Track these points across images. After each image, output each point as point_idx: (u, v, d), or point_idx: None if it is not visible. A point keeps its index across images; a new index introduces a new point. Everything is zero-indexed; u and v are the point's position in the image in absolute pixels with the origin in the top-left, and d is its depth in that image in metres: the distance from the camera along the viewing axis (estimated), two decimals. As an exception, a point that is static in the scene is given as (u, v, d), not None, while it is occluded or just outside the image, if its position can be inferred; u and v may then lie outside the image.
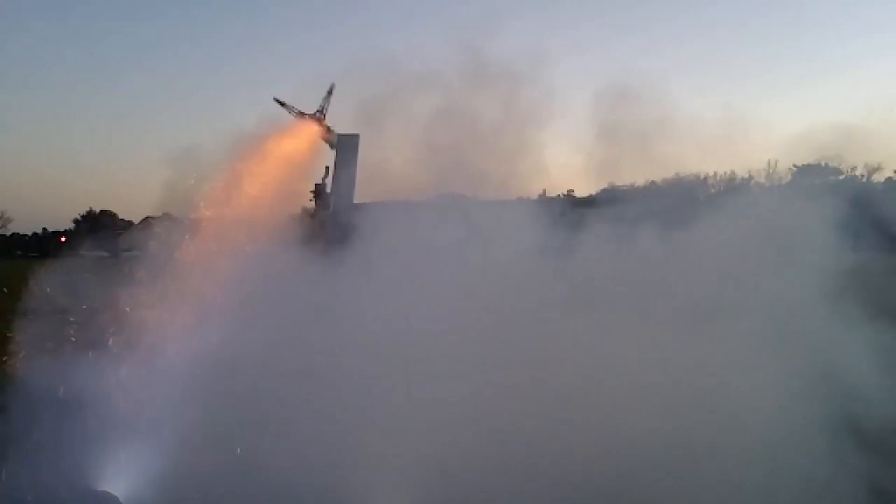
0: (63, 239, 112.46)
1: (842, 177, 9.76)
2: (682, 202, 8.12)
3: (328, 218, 6.27)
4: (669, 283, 6.65)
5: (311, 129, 8.54)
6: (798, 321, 6.27)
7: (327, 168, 6.03)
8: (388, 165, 9.15)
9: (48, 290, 9.05)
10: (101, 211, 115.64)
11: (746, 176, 11.30)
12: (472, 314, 6.55)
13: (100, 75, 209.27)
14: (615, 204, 8.32)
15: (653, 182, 9.88)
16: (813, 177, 10.29)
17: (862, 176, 10.74)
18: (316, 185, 6.14)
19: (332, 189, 6.18)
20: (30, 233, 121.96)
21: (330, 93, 7.02)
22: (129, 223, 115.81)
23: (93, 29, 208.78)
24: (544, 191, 11.19)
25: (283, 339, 6.56)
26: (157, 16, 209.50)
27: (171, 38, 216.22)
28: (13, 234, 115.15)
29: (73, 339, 7.38)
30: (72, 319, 7.66)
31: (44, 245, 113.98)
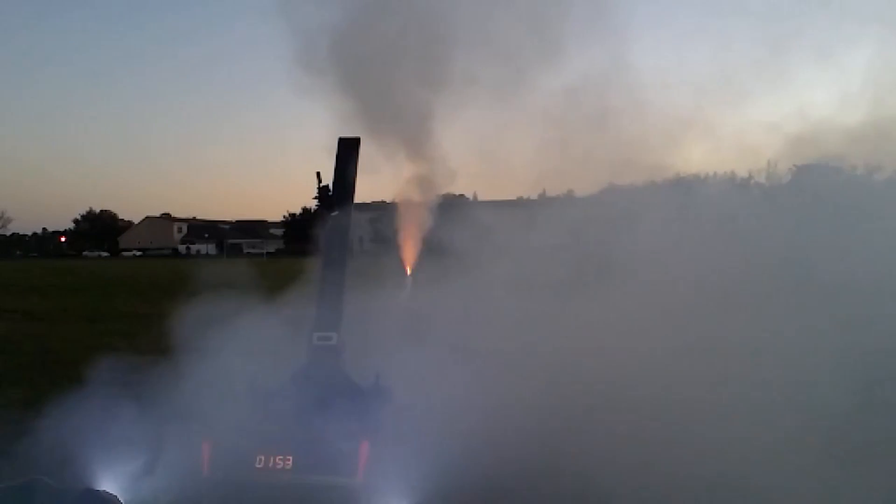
0: (63, 239, 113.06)
1: (842, 177, 9.74)
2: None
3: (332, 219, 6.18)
4: None
5: None
6: None
7: (318, 174, 5.96)
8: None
9: None
10: (101, 211, 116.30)
11: (746, 176, 11.28)
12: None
13: (100, 74, 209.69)
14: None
15: (652, 182, 9.84)
16: (813, 177, 10.25)
17: (862, 176, 10.72)
18: (319, 187, 6.08)
19: (332, 191, 6.11)
20: (30, 233, 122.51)
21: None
22: (129, 223, 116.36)
23: (93, 27, 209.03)
24: (544, 190, 11.16)
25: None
26: (157, 14, 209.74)
27: (172, 37, 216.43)
28: (13, 234, 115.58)
29: None
30: None
31: (44, 245, 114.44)
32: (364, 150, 6.11)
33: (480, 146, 9.15)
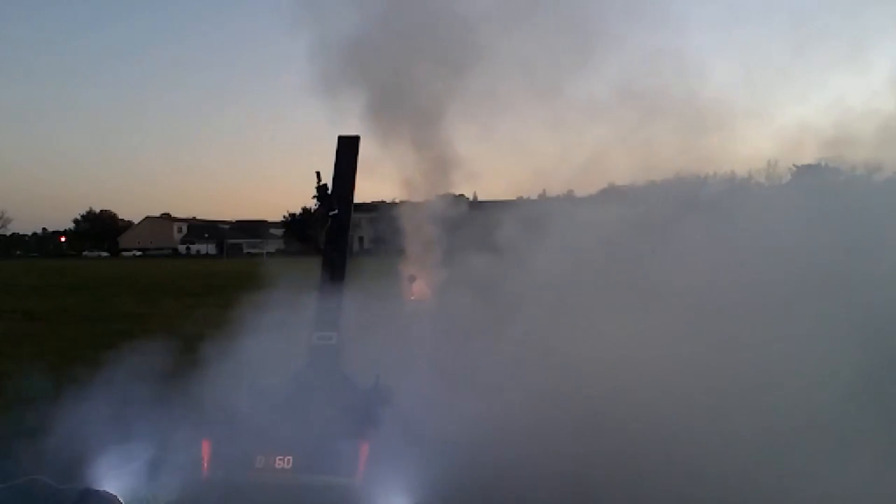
0: (63, 239, 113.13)
1: (842, 177, 9.72)
2: None
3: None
4: None
5: None
6: None
7: (318, 173, 5.83)
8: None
9: None
10: (101, 211, 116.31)
11: (746, 176, 11.25)
12: None
13: (100, 74, 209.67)
14: None
15: (652, 182, 9.82)
16: (813, 177, 10.22)
17: (862, 176, 10.73)
18: (318, 187, 5.99)
19: (331, 190, 6.04)
20: (30, 233, 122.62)
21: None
22: (129, 223, 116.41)
23: (93, 26, 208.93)
24: (544, 191, 11.13)
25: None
26: (157, 12, 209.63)
27: (172, 36, 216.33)
28: (13, 234, 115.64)
29: None
30: None
31: (44, 245, 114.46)
32: (376, 149, 6.08)
33: (512, 143, 9.11)
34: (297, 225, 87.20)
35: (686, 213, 7.33)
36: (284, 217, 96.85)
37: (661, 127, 8.42)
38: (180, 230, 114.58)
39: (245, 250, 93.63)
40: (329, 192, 5.62)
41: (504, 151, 9.37)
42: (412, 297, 8.80)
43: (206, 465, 4.41)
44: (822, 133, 8.38)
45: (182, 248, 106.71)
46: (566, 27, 7.98)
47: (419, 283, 8.90)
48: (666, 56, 8.23)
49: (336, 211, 5.59)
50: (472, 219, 8.98)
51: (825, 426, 4.72)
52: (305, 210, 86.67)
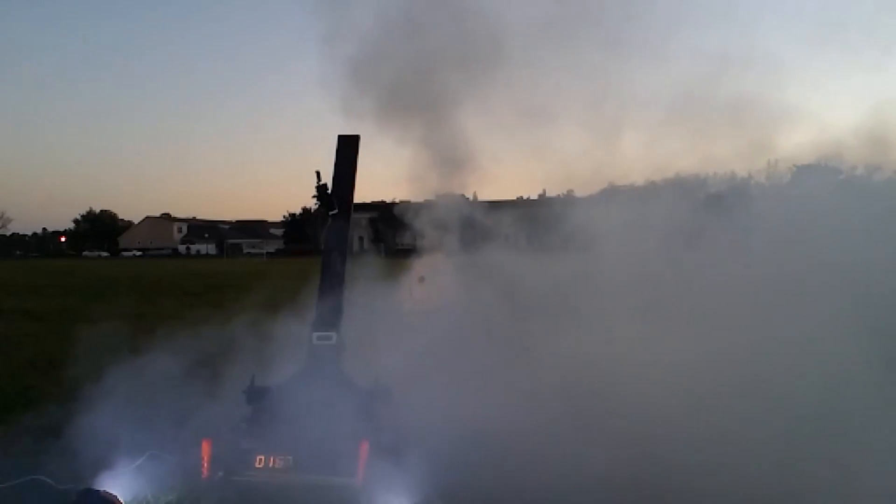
0: (63, 239, 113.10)
1: (841, 177, 9.71)
2: None
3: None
4: None
5: None
6: None
7: (318, 173, 5.72)
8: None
9: None
10: (101, 211, 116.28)
11: (746, 175, 11.24)
12: None
13: (101, 74, 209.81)
14: None
15: (652, 182, 9.81)
16: (813, 177, 10.20)
17: (862, 176, 10.72)
18: (318, 186, 5.87)
19: (331, 190, 5.95)
20: (30, 233, 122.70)
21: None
22: (129, 223, 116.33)
23: (93, 26, 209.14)
24: (544, 191, 11.13)
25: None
26: (158, 12, 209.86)
27: (173, 36, 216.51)
28: (13, 234, 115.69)
29: None
30: None
31: (44, 245, 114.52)
32: (383, 148, 6.03)
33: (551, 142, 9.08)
34: (297, 225, 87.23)
35: (693, 213, 7.34)
36: (284, 217, 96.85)
37: (683, 129, 8.43)
38: (180, 230, 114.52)
39: (245, 250, 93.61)
40: (329, 191, 5.60)
41: (518, 152, 9.34)
42: (419, 297, 8.79)
43: (206, 465, 4.41)
44: (860, 134, 8.37)
45: (182, 248, 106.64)
46: (580, 27, 7.96)
47: (427, 283, 8.89)
48: (690, 57, 8.25)
49: (336, 211, 5.57)
50: (481, 218, 8.96)
51: (837, 421, 4.73)
52: (305, 210, 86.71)
